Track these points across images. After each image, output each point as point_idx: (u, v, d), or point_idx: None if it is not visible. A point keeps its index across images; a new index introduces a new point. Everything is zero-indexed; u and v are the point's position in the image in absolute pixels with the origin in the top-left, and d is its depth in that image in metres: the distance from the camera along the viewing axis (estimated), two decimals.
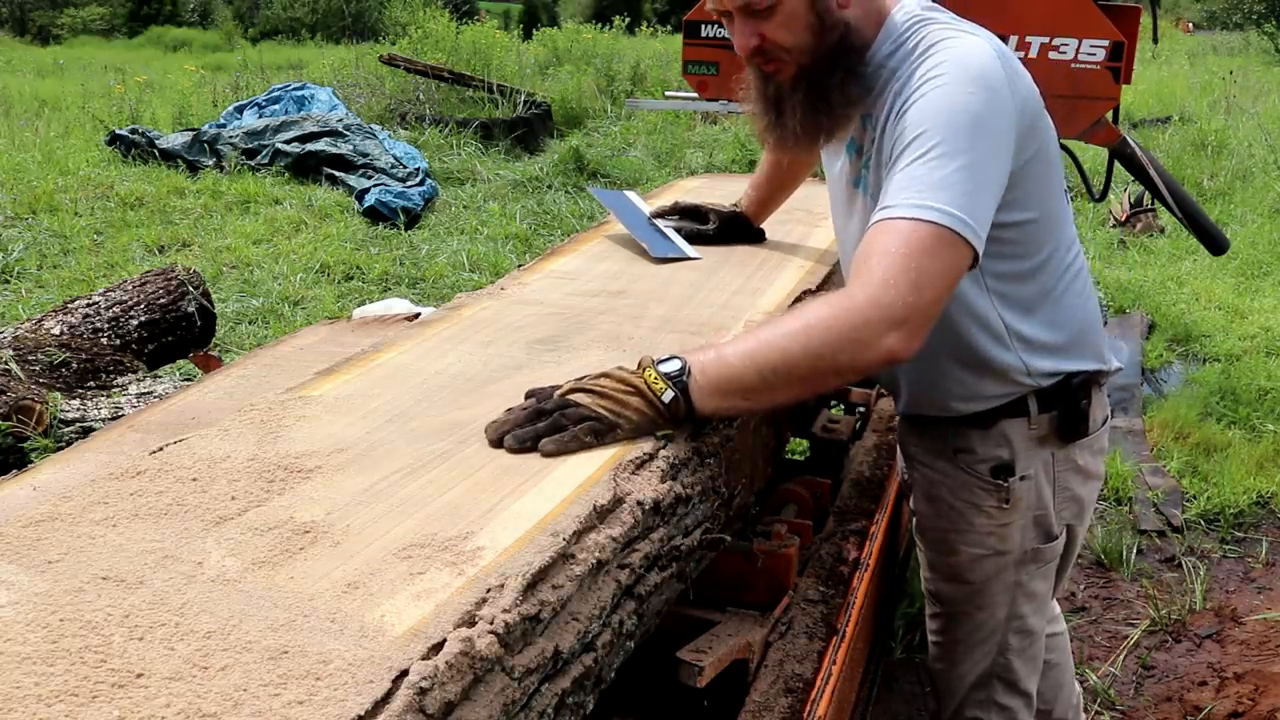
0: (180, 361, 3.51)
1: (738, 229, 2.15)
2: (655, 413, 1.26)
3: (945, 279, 1.31)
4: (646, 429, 1.26)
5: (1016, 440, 1.61)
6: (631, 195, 2.38)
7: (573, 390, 1.27)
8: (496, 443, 1.24)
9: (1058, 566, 1.76)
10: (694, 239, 2.13)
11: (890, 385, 1.76)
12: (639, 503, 1.13)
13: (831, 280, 1.98)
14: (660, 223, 2.17)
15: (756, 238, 2.17)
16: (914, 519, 1.78)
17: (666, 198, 2.47)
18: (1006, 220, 1.45)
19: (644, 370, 1.28)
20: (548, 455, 1.20)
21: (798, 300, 1.77)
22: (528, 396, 1.30)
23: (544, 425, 1.23)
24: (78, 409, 2.49)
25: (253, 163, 7.66)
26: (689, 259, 2.04)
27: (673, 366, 1.28)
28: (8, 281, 5.33)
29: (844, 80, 1.45)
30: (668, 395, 1.26)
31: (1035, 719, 1.88)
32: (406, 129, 9.02)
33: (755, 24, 1.43)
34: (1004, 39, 1.68)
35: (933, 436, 1.68)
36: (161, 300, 3.28)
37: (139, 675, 0.80)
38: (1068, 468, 1.65)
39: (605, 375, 1.28)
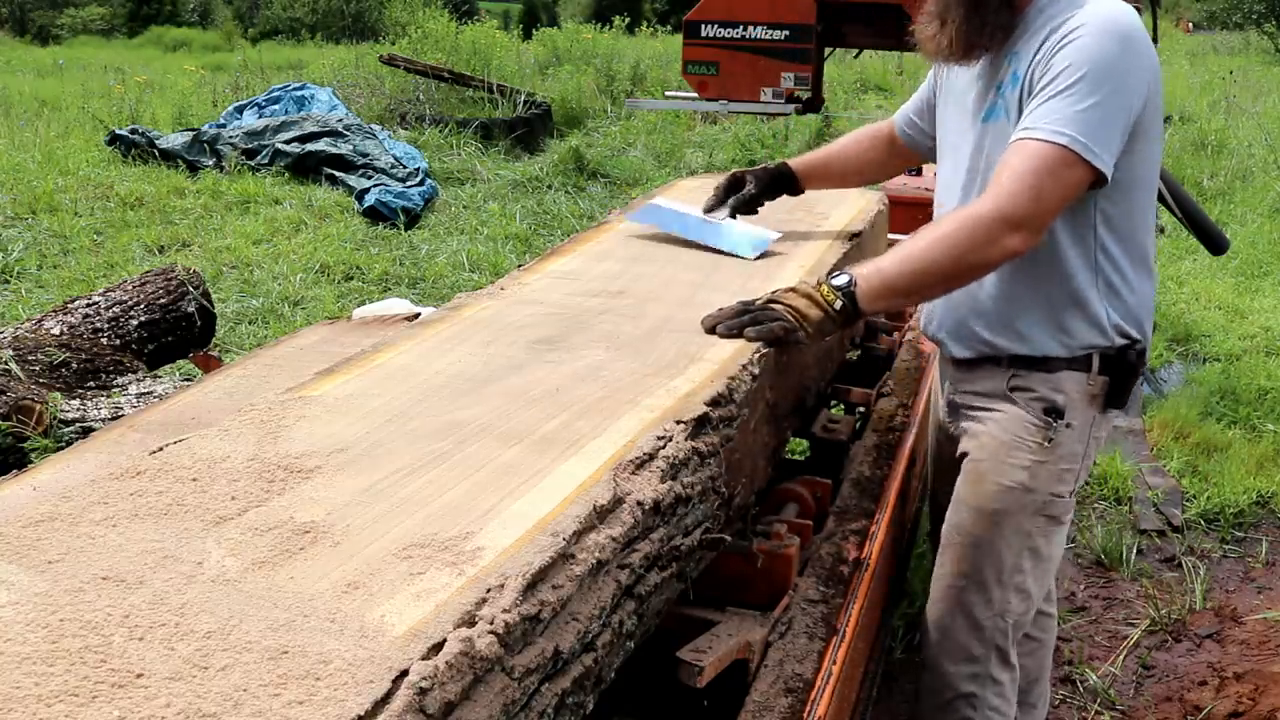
0: (180, 361, 3.51)
1: (778, 183, 2.19)
2: (828, 317, 1.60)
3: (1063, 193, 1.57)
4: (824, 329, 1.61)
5: (1072, 390, 1.75)
6: (662, 201, 2.34)
7: (770, 299, 1.62)
8: (710, 330, 1.59)
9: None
10: (739, 205, 2.16)
11: (965, 319, 1.81)
12: (639, 503, 1.13)
13: (840, 269, 2.02)
14: (714, 217, 2.17)
15: (795, 191, 2.20)
16: (960, 466, 1.87)
17: (675, 193, 2.49)
18: (1120, 172, 1.61)
19: (819, 285, 1.63)
20: (751, 340, 1.56)
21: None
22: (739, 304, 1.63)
23: (748, 318, 1.58)
24: (78, 409, 2.48)
25: (253, 163, 7.65)
26: (774, 240, 2.12)
27: (841, 280, 1.62)
28: (8, 281, 5.32)
29: (1001, 3, 1.68)
30: (838, 303, 1.61)
31: (1018, 693, 1.96)
32: (406, 129, 9.01)
33: None
34: None
35: (993, 379, 1.81)
36: (161, 300, 3.28)
37: (139, 675, 0.80)
38: (1099, 434, 1.80)
39: (792, 290, 1.63)
